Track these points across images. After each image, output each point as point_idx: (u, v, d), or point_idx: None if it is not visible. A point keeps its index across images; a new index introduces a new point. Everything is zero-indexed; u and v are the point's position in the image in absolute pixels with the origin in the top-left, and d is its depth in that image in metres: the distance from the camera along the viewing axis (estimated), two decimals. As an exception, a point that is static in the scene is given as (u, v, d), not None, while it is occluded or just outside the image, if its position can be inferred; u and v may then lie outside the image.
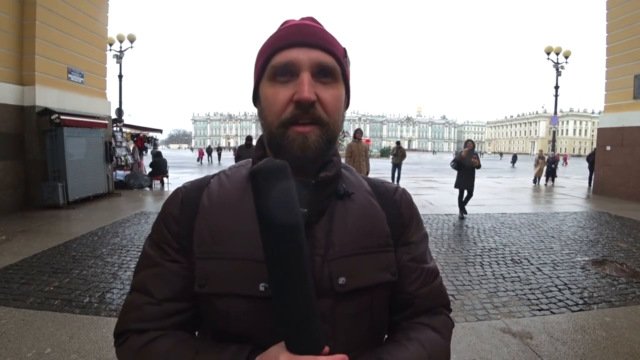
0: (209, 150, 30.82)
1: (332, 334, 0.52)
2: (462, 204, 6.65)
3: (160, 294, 0.54)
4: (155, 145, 12.85)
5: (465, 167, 6.47)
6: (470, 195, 6.73)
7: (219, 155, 31.12)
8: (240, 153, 7.31)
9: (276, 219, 0.42)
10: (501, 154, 66.43)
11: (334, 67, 0.52)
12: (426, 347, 0.55)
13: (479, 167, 6.47)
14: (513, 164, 30.64)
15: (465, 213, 6.59)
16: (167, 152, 29.52)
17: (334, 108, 0.52)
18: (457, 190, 6.83)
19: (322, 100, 0.50)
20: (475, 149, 7.20)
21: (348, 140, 19.03)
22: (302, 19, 0.57)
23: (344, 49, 0.56)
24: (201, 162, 28.02)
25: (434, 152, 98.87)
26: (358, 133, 7.84)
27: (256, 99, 0.57)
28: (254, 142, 0.99)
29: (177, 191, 0.60)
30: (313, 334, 0.44)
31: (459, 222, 6.24)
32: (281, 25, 0.56)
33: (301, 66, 0.50)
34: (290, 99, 0.50)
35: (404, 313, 0.60)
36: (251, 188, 0.44)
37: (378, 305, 0.57)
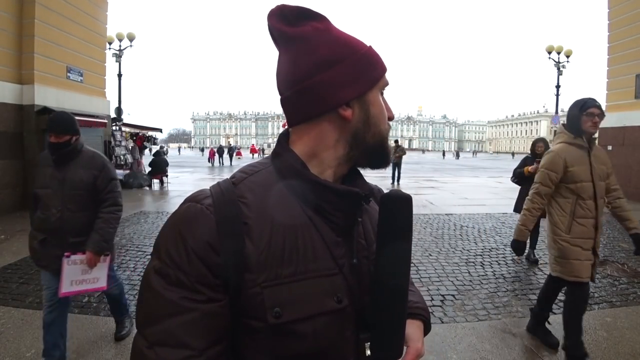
0: (220, 151, 26.18)
1: None
2: (533, 239, 4.19)
3: (200, 343, 0.46)
4: (155, 144, 12.87)
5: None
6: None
7: (231, 157, 26.82)
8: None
9: (400, 228, 0.54)
10: (513, 153, 66.38)
11: None
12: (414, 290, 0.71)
13: None
14: None
15: (536, 262, 4.06)
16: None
17: None
18: (457, 191, 6.20)
19: None
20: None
21: None
22: None
23: None
24: (212, 164, 24.38)
25: (423, 151, 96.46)
26: (591, 116, 2.05)
27: (350, 101, 0.55)
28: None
29: (202, 210, 0.50)
30: (400, 338, 0.53)
31: (527, 263, 4.08)
32: (362, 44, 0.58)
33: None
34: None
35: None
36: (383, 205, 0.54)
37: None
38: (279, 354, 0.50)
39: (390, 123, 0.61)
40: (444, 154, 54.90)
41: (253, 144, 52.69)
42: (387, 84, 0.59)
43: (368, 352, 0.53)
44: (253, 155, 38.84)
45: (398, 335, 0.52)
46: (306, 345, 0.50)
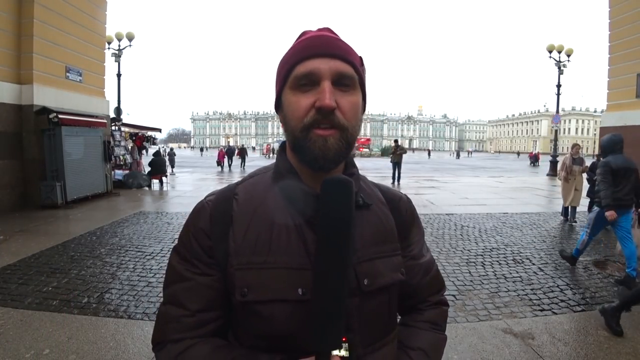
0: (230, 152, 20.80)
1: (360, 328, 0.59)
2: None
3: (193, 306, 0.58)
4: (155, 144, 12.87)
5: None
6: None
7: (243, 159, 20.41)
8: None
9: (335, 213, 0.49)
10: (518, 153, 66.18)
11: (352, 75, 0.56)
12: (429, 355, 0.65)
13: None
14: (534, 164, 26.48)
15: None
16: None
17: (352, 114, 0.56)
18: (458, 190, 5.94)
19: (341, 107, 0.55)
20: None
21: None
22: (320, 29, 0.61)
23: (360, 57, 0.60)
24: (222, 168, 19.35)
25: (413, 150, 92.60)
26: None
27: (279, 106, 0.61)
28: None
29: (204, 205, 0.63)
30: (338, 331, 0.49)
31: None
32: (300, 37, 0.61)
33: (322, 75, 0.54)
34: (311, 106, 0.54)
35: (412, 300, 0.71)
36: (321, 191, 0.51)
37: (393, 300, 0.65)
38: (250, 332, 0.57)
39: (364, 117, 0.59)
40: (429, 154, 55.08)
41: (268, 144, 52.79)
42: (299, 78, 0.54)
43: (342, 353, 0.48)
44: (268, 155, 38.99)
45: (337, 322, 0.48)
46: (267, 327, 0.55)
